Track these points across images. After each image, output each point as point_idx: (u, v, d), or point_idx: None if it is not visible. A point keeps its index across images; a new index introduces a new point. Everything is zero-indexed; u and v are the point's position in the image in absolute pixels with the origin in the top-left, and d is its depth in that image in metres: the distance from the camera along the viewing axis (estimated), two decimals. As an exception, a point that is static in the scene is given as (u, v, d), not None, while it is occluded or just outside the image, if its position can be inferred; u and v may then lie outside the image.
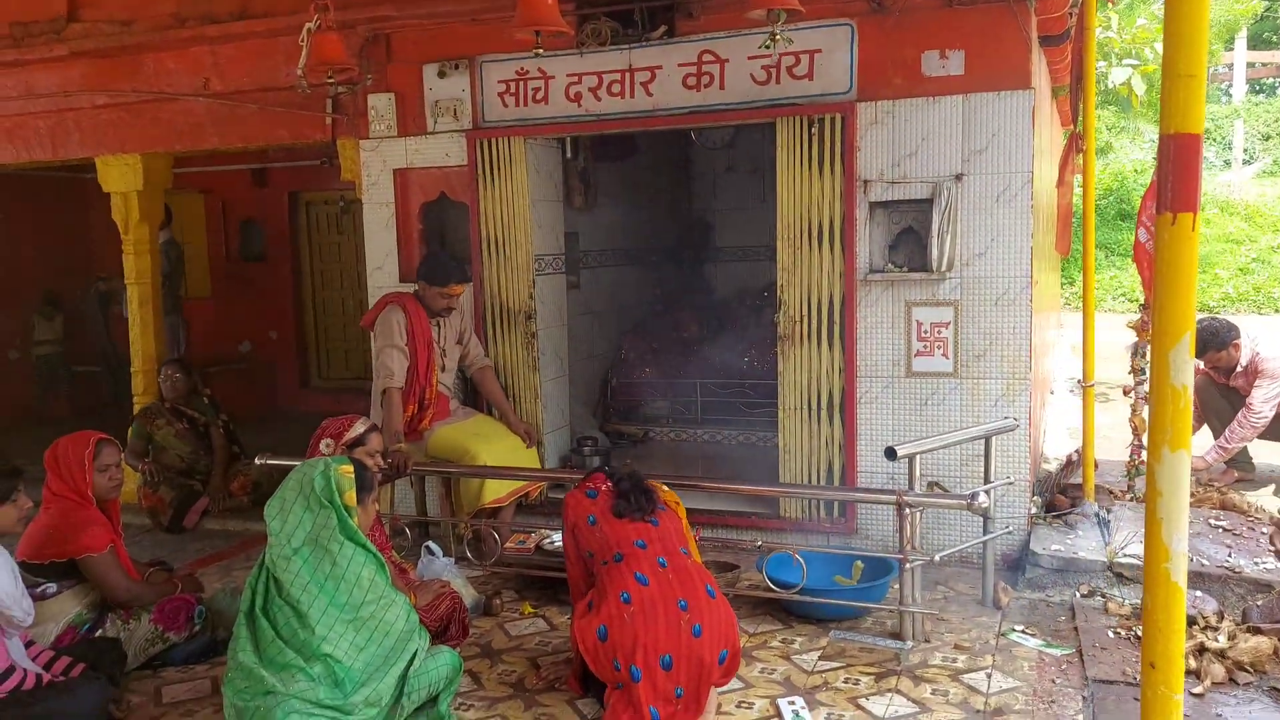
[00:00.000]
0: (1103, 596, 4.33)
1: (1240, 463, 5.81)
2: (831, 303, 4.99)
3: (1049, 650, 3.91)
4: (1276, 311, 13.91)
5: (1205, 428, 5.94)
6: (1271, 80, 25.24)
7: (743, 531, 5.26)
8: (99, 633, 3.95)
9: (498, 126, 5.58)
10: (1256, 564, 4.30)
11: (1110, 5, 8.37)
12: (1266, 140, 20.10)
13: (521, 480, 5.15)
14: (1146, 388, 5.04)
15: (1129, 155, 18.33)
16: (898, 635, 4.04)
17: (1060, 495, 5.06)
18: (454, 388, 5.51)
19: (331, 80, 4.92)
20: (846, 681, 3.71)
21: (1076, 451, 5.42)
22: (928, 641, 4.01)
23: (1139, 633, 3.96)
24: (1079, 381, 4.96)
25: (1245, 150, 19.53)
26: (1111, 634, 4.01)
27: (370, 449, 4.19)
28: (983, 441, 4.42)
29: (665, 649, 3.31)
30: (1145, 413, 5.02)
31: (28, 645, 3.59)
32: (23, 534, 3.92)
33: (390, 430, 4.87)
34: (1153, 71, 8.49)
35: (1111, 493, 5.23)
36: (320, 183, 10.19)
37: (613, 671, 3.35)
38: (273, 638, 3.24)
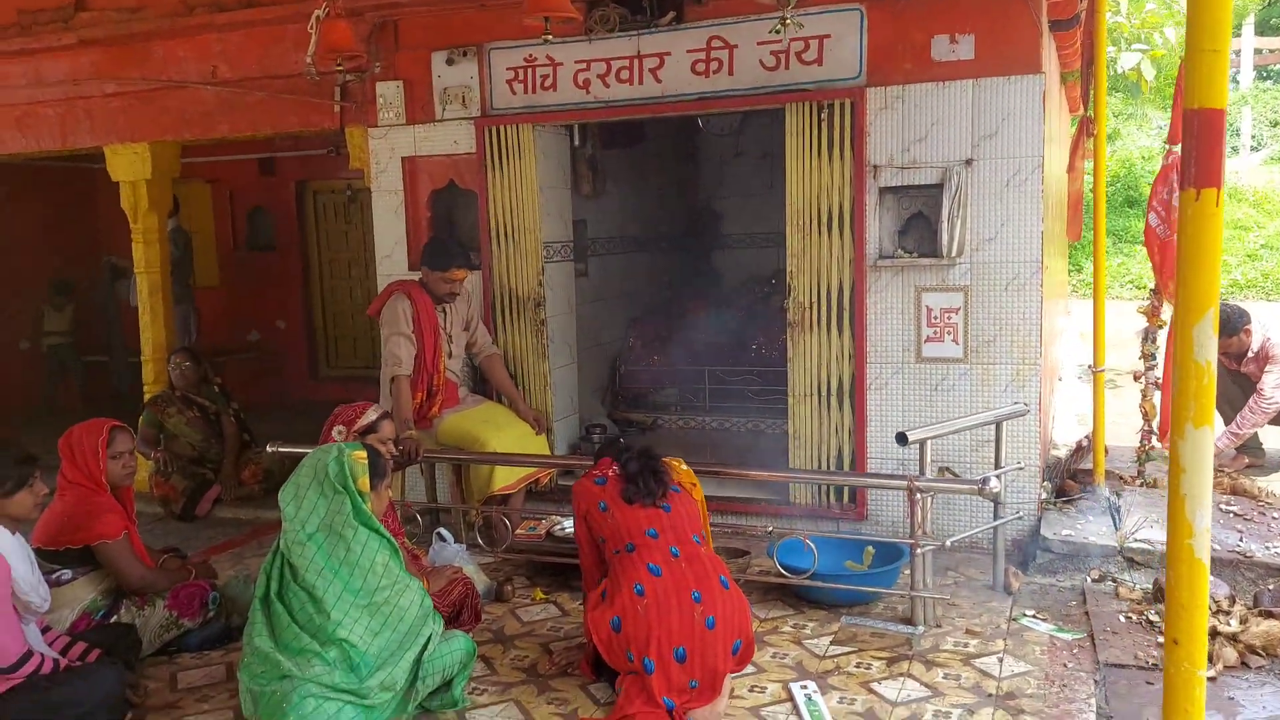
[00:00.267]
0: (1114, 581, 4.33)
1: (1251, 449, 5.81)
2: (841, 289, 4.99)
3: (1060, 635, 3.92)
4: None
5: (1216, 414, 5.93)
6: (1279, 66, 25.10)
7: (752, 518, 5.26)
8: (114, 619, 3.97)
9: (506, 114, 5.58)
10: (1268, 548, 4.30)
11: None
12: (1274, 126, 19.98)
13: (532, 467, 5.16)
14: (1158, 373, 5.07)
15: (1136, 142, 18.23)
16: (909, 620, 4.05)
17: (1070, 480, 5.06)
18: (462, 375, 5.52)
19: (340, 68, 4.92)
20: (858, 666, 3.72)
21: (1086, 437, 5.42)
22: (939, 626, 4.02)
23: (1150, 617, 3.98)
24: (1089, 367, 4.95)
25: (1253, 137, 19.43)
26: (1123, 618, 4.02)
27: (382, 436, 4.20)
28: (993, 427, 4.42)
29: (679, 641, 3.32)
30: (1156, 398, 5.04)
31: (44, 631, 3.61)
32: (38, 521, 3.94)
33: (400, 418, 4.88)
34: (1161, 57, 8.44)
35: (1121, 478, 5.23)
36: (327, 172, 10.19)
37: (626, 662, 3.36)
38: (288, 623, 3.26)
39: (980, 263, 4.79)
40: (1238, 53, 19.38)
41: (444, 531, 4.77)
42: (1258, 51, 20.44)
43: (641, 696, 3.30)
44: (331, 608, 3.25)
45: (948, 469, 4.40)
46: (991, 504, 4.35)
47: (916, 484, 3.92)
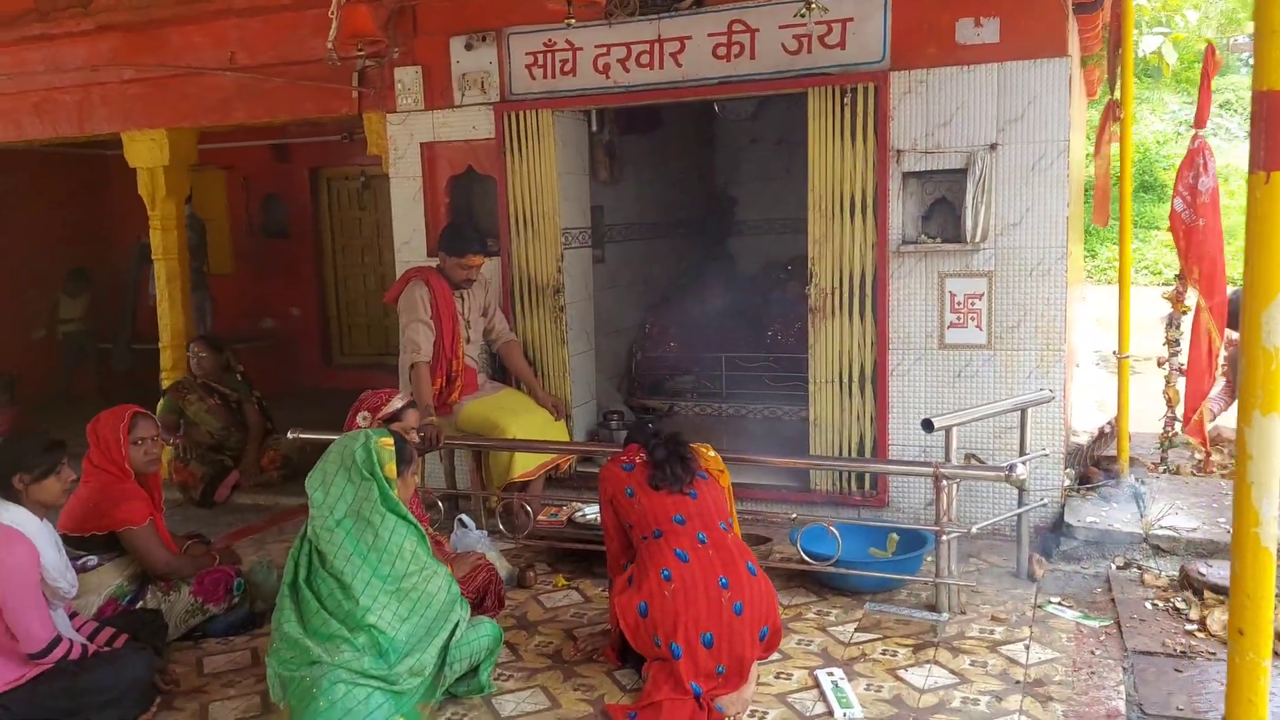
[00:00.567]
0: (1139, 568, 4.31)
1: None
2: (863, 274, 4.96)
3: (1086, 622, 3.91)
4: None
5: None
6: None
7: (772, 504, 5.24)
8: (140, 604, 3.99)
9: (525, 99, 5.55)
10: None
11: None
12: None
13: (552, 453, 5.16)
14: (1181, 359, 5.03)
15: (1151, 127, 18.10)
16: (933, 607, 4.03)
17: (1093, 467, 5.04)
18: (481, 361, 5.52)
19: (361, 54, 4.89)
20: (884, 653, 3.71)
21: (1109, 423, 5.39)
22: (964, 613, 4.01)
23: (1177, 604, 3.96)
24: (1113, 353, 4.92)
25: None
26: (1149, 605, 4.00)
27: (406, 425, 4.20)
28: (1017, 413, 4.40)
29: (706, 627, 3.31)
30: (1180, 385, 5.01)
31: (71, 616, 3.63)
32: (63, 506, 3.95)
33: (420, 404, 4.87)
34: (1182, 40, 8.36)
35: (1144, 465, 5.20)
36: (341, 158, 10.18)
37: (653, 647, 3.36)
38: (317, 609, 3.26)
39: (1004, 248, 4.75)
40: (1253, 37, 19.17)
41: (465, 518, 4.77)
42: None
43: (669, 683, 3.29)
44: (360, 594, 3.25)
45: (973, 456, 4.37)
46: (1015, 491, 4.33)
47: (942, 470, 3.90)
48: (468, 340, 5.25)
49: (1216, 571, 3.99)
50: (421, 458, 5.05)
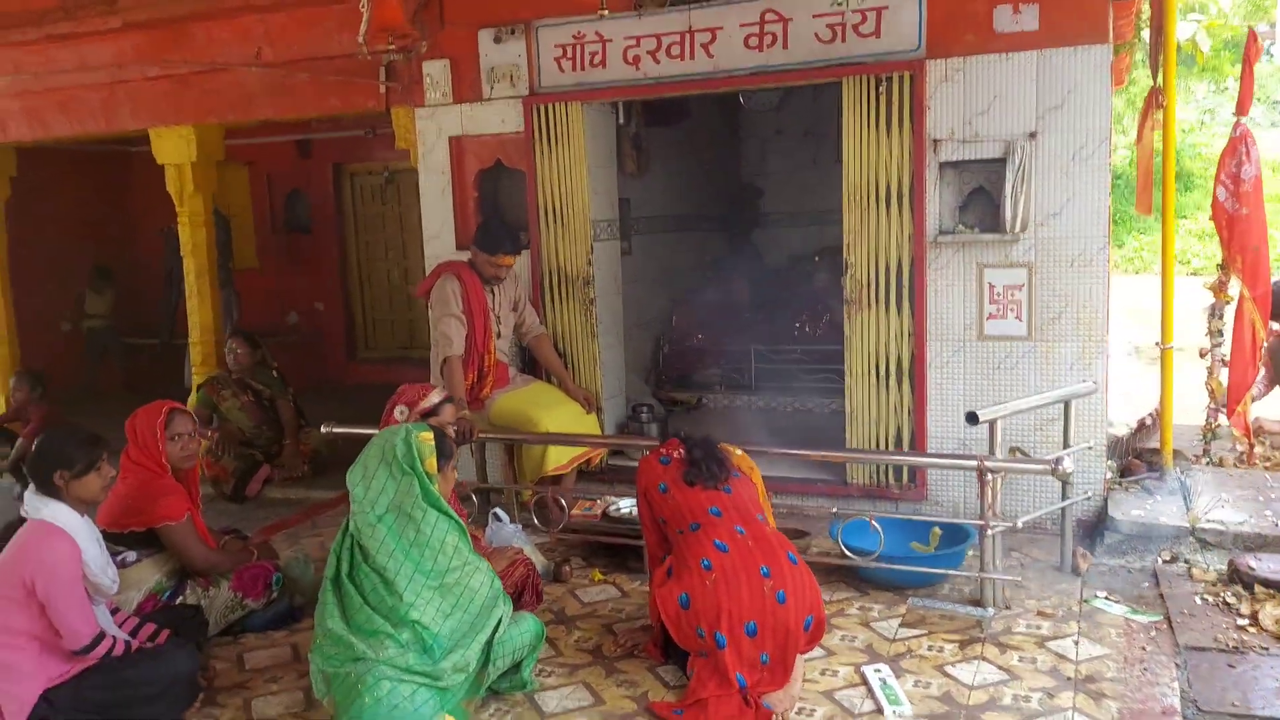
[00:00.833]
0: (1186, 562, 4.25)
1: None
2: (900, 266, 4.90)
3: (1135, 617, 3.84)
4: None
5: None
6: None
7: (808, 498, 5.21)
8: (179, 600, 3.98)
9: (555, 92, 5.51)
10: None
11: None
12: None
13: (585, 447, 5.13)
14: (1224, 350, 4.95)
15: (1177, 114, 17.91)
16: (978, 602, 3.98)
17: (1135, 460, 4.97)
18: (511, 355, 5.50)
19: (391, 47, 4.86)
20: (930, 649, 3.66)
21: (1150, 415, 5.32)
22: (1009, 608, 3.95)
23: (1227, 599, 3.90)
24: (1156, 344, 4.85)
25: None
26: (1198, 600, 3.94)
27: (443, 420, 4.17)
28: (1059, 406, 4.34)
29: (749, 616, 3.28)
30: (1222, 375, 4.93)
31: (114, 613, 3.62)
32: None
33: (454, 398, 4.85)
34: (1216, 27, 8.25)
35: (1186, 457, 5.12)
36: (364, 154, 10.19)
37: (696, 639, 3.32)
38: (360, 604, 3.24)
39: (1045, 238, 4.68)
40: (1273, 25, 18.91)
41: (500, 512, 4.74)
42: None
43: (715, 679, 3.26)
44: (404, 589, 3.23)
45: (1019, 449, 4.31)
46: (1058, 484, 4.27)
47: (987, 464, 3.84)
48: (499, 335, 5.23)
49: (1266, 565, 3.93)
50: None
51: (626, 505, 4.79)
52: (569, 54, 5.46)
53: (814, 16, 4.94)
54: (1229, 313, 4.96)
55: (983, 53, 4.70)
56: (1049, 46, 4.60)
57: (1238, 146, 4.77)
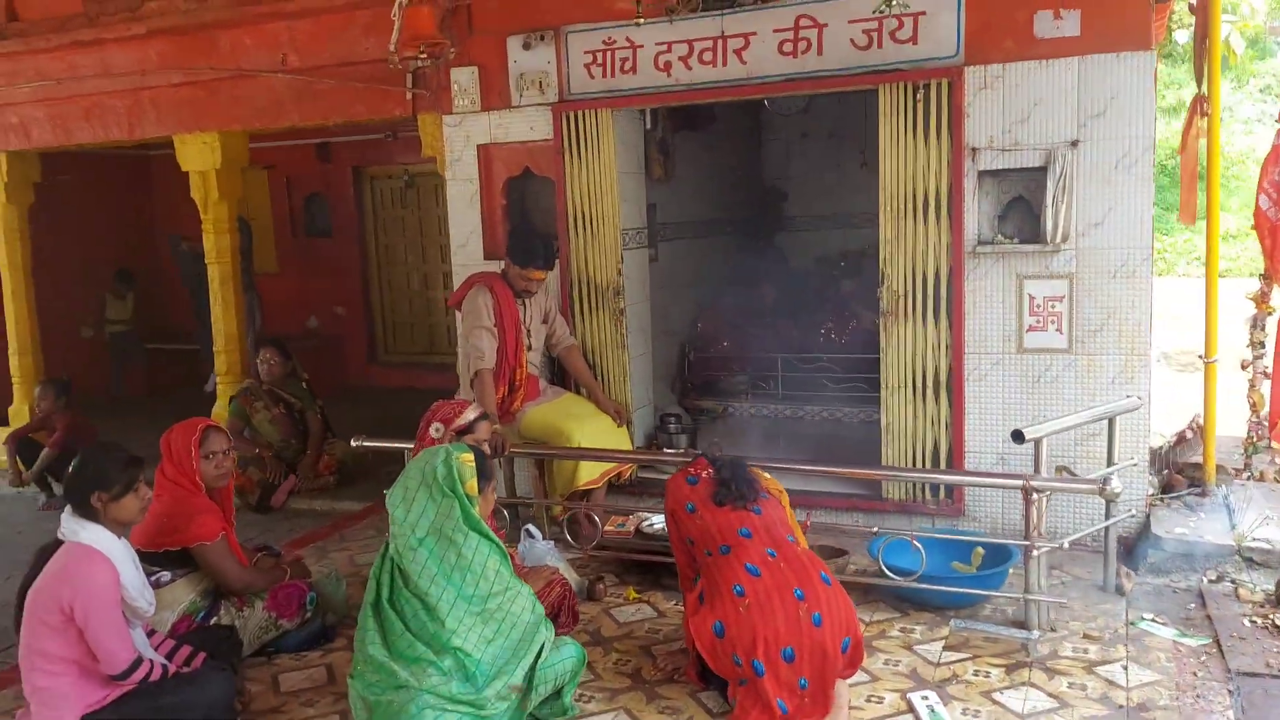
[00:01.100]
0: (1232, 582, 4.16)
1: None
2: (937, 276, 4.83)
3: (1184, 640, 3.77)
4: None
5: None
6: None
7: (841, 513, 5.14)
8: (214, 620, 3.94)
9: (585, 99, 5.44)
10: None
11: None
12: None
13: (617, 461, 5.07)
14: (1266, 362, 4.86)
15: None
16: (1021, 624, 3.90)
17: (1177, 475, 4.88)
18: (542, 367, 5.44)
19: (422, 55, 4.81)
20: (976, 674, 3.59)
21: (1190, 428, 5.22)
22: (1054, 630, 3.88)
23: (1277, 621, 3.81)
24: (1200, 356, 4.76)
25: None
26: (1247, 622, 3.86)
27: (479, 437, 4.12)
28: (1101, 421, 4.25)
29: (786, 641, 3.22)
30: (1265, 388, 4.84)
31: (150, 634, 3.58)
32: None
33: (486, 414, 4.80)
34: (1250, 29, 8.14)
35: (1228, 471, 5.03)
36: (384, 157, 10.16)
37: (734, 667, 3.26)
38: (401, 630, 3.19)
39: (1086, 249, 4.60)
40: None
41: (532, 528, 4.69)
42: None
43: (757, 707, 3.20)
44: (446, 615, 3.18)
45: (1066, 468, 4.23)
46: (1102, 501, 4.19)
47: (1033, 484, 3.77)
48: (530, 348, 5.18)
49: (1319, 587, 3.84)
50: (491, 468, 4.99)
51: (659, 521, 4.73)
52: (599, 60, 5.39)
53: (850, 22, 4.87)
54: (1271, 324, 4.86)
55: (1023, 59, 4.62)
56: (1091, 53, 4.51)
57: (1281, 154, 4.67)
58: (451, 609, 3.20)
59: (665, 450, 5.72)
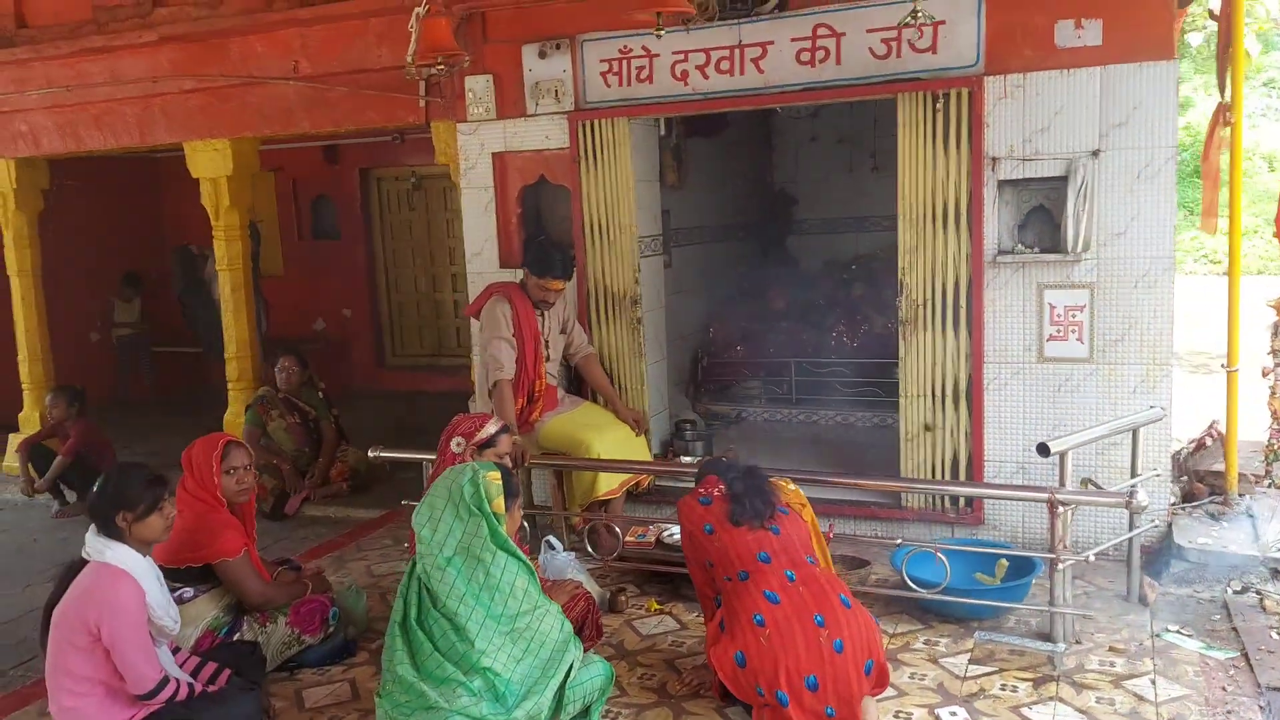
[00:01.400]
0: (1258, 593, 4.16)
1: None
2: (957, 286, 4.81)
3: (1211, 653, 3.76)
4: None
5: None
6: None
7: (860, 522, 5.12)
8: (237, 636, 3.93)
9: (601, 107, 5.43)
10: None
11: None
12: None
13: (637, 473, 5.06)
14: (1288, 369, 4.84)
15: (1205, 111, 17.70)
16: (1046, 636, 3.90)
17: (1199, 484, 4.87)
18: (559, 376, 5.43)
19: (440, 66, 4.79)
20: (1004, 688, 3.59)
21: (1209, 435, 5.22)
22: (1079, 643, 3.87)
23: (1307, 634, 3.80)
24: (1222, 365, 4.74)
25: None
26: (1275, 635, 3.85)
27: (500, 450, 4.11)
28: (1125, 431, 4.24)
29: (808, 670, 3.19)
30: (1286, 396, 4.82)
31: (174, 651, 3.57)
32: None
33: (507, 426, 4.78)
34: (1265, 30, 8.11)
35: (1249, 479, 5.02)
36: (392, 159, 10.14)
37: (757, 697, 3.25)
38: (430, 651, 3.19)
39: (1108, 258, 4.59)
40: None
41: (553, 540, 4.67)
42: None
43: (781, 727, 3.19)
44: (475, 635, 3.17)
45: (1091, 480, 4.22)
46: (1125, 511, 4.18)
47: (1058, 496, 3.75)
48: (548, 358, 5.16)
49: (1346, 600, 3.83)
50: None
51: (679, 531, 4.72)
52: (615, 69, 5.37)
53: (868, 31, 4.85)
54: (1293, 332, 4.86)
55: (1043, 69, 4.60)
56: (1113, 62, 4.49)
57: (1304, 163, 4.65)
58: (481, 629, 3.19)
59: (683, 459, 5.72)
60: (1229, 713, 3.36)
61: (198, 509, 3.95)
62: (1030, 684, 3.61)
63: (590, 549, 4.74)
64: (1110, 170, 4.54)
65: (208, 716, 3.32)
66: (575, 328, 5.39)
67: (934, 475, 4.95)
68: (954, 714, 3.40)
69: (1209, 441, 5.19)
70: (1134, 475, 4.17)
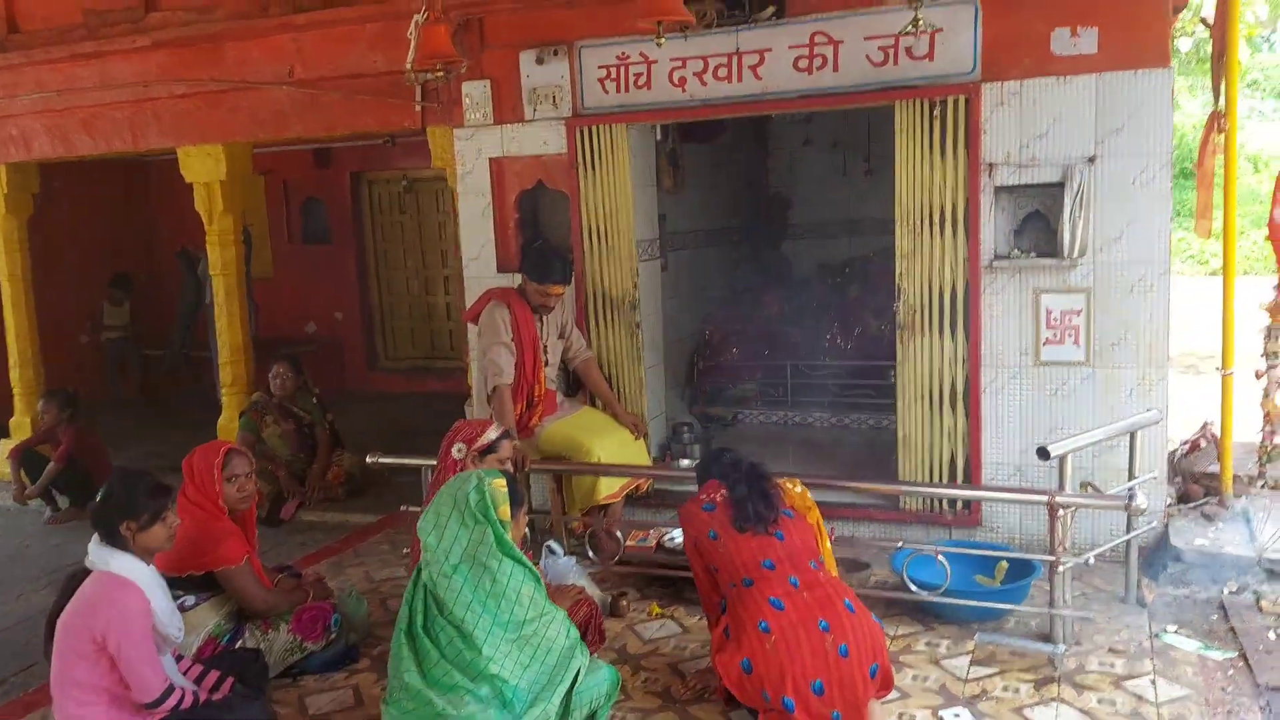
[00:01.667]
0: (1254, 594, 4.20)
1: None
2: (954, 290, 4.85)
3: (1210, 654, 3.80)
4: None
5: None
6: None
7: (859, 524, 5.15)
8: (239, 643, 3.93)
9: (599, 113, 5.44)
10: None
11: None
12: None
13: (638, 477, 5.08)
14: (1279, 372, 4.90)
15: (1191, 113, 17.83)
16: (1046, 637, 3.93)
17: (1194, 484, 4.92)
18: (558, 381, 5.44)
19: (439, 73, 4.79)
20: (1005, 690, 3.62)
21: (1204, 436, 5.27)
22: (1079, 644, 3.91)
23: (1303, 635, 3.85)
24: (1217, 368, 4.80)
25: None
26: (1272, 635, 3.90)
27: (501, 456, 4.12)
28: (1122, 435, 4.28)
29: (814, 675, 3.21)
30: (1279, 398, 4.88)
31: (178, 659, 3.57)
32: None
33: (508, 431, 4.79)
34: (1252, 34, 8.21)
35: (1240, 479, 5.07)
36: (383, 162, 10.14)
37: (763, 702, 3.26)
38: (438, 658, 3.19)
39: (1104, 263, 4.63)
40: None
41: (554, 544, 4.68)
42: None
43: (789, 739, 3.21)
44: (482, 643, 3.18)
45: (1090, 483, 4.26)
46: (1122, 513, 4.22)
47: (1058, 500, 3.79)
48: (547, 363, 5.17)
49: (1342, 600, 3.88)
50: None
51: (681, 535, 4.74)
52: (613, 75, 5.38)
53: (865, 39, 4.88)
54: (1285, 335, 4.91)
55: (1040, 76, 4.64)
56: (1109, 70, 4.53)
57: (1296, 168, 4.71)
58: (488, 636, 3.20)
59: (681, 462, 5.74)
60: (1229, 713, 3.40)
61: (199, 516, 3.94)
62: (1032, 685, 3.64)
63: (591, 553, 4.75)
64: (1106, 176, 4.59)
65: (214, 725, 3.32)
66: (574, 332, 5.40)
67: (932, 478, 4.98)
68: (957, 715, 3.43)
69: (1203, 443, 5.25)
70: (1131, 477, 4.22)
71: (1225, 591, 4.27)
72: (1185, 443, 5.49)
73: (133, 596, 3.25)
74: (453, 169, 5.89)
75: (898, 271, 4.95)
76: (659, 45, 4.23)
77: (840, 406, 6.81)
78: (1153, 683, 3.61)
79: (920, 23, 3.82)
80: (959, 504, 4.98)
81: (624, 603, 4.53)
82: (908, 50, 4.81)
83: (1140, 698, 3.52)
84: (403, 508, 5.04)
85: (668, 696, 3.72)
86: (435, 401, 8.63)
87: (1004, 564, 4.23)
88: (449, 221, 10.06)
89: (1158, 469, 4.55)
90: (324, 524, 6.35)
